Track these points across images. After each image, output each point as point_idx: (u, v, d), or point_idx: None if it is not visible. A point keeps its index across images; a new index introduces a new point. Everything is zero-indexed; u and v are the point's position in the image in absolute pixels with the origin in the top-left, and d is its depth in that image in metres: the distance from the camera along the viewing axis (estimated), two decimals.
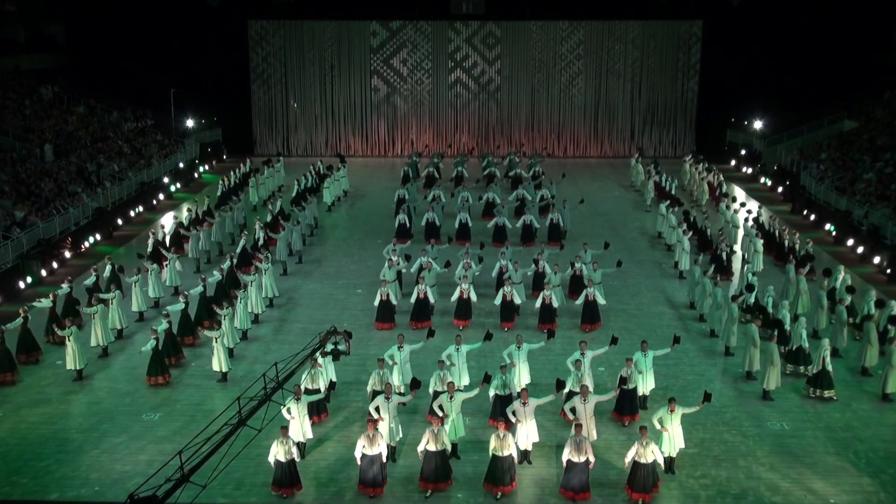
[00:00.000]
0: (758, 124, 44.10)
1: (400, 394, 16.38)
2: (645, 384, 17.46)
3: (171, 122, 43.76)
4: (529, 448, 15.34)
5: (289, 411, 15.07)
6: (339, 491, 14.63)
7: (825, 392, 17.95)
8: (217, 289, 22.68)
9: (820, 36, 43.59)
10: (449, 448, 14.80)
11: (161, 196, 37.05)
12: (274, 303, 23.74)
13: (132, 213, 33.89)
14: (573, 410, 15.28)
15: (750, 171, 42.47)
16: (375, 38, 46.80)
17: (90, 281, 22.62)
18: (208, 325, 20.94)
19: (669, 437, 14.74)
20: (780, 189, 37.98)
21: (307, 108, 47.67)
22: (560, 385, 15.54)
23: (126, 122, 42.66)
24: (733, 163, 44.49)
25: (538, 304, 21.81)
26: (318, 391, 16.49)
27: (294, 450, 14.25)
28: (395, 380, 17.26)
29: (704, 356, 20.43)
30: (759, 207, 33.58)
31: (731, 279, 25.27)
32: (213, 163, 44.95)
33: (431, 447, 14.24)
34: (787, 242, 26.65)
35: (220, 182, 35.45)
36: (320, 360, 16.68)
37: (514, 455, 14.46)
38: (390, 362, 17.17)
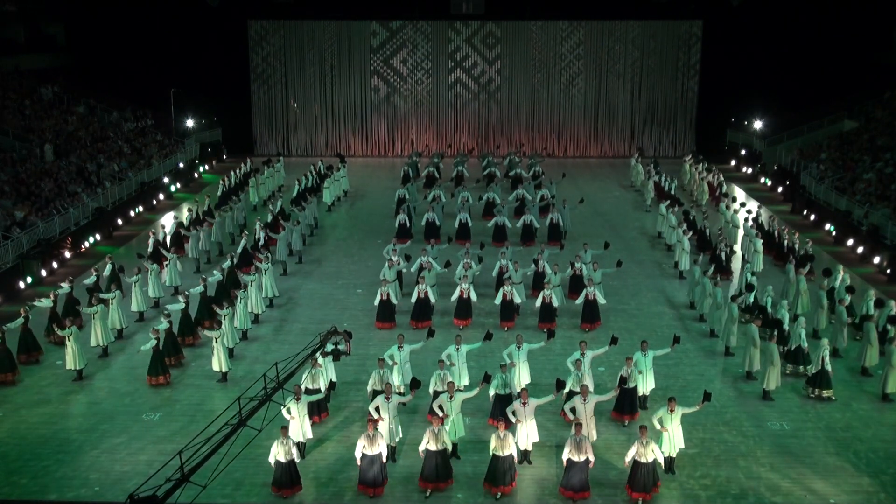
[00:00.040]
0: (758, 124, 44.10)
1: (400, 394, 16.38)
2: (645, 384, 17.46)
3: (171, 122, 43.77)
4: (529, 448, 15.34)
5: (289, 411, 15.07)
6: (339, 491, 14.63)
7: (824, 392, 17.95)
8: (218, 288, 22.68)
9: (820, 36, 43.60)
10: (450, 447, 14.81)
11: (161, 196, 37.05)
12: (274, 303, 23.74)
13: (132, 213, 33.89)
14: (573, 410, 15.28)
15: (750, 171, 42.47)
16: (375, 38, 46.80)
17: (90, 281, 22.62)
18: (208, 325, 20.94)
19: (669, 437, 14.74)
20: (780, 189, 37.98)
21: (307, 108, 47.68)
22: (560, 385, 15.55)
23: (126, 122, 42.67)
24: (733, 163, 44.50)
25: (538, 303, 21.82)
26: (318, 391, 16.50)
27: (294, 450, 14.24)
28: (395, 380, 17.26)
29: (704, 356, 20.43)
30: (759, 207, 33.59)
31: (730, 279, 25.27)
32: (213, 163, 44.96)
33: (432, 447, 14.25)
34: (786, 242, 26.65)
35: (221, 182, 35.44)
36: (320, 360, 16.68)
37: (515, 455, 14.47)
38: (390, 362, 17.16)
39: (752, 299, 21.87)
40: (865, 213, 29.70)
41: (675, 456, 15.00)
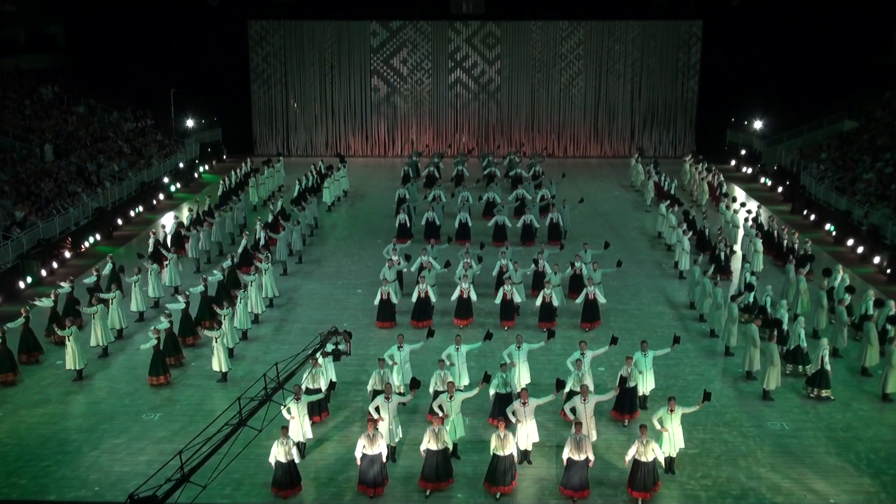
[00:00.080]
0: (758, 124, 44.10)
1: (400, 394, 16.37)
2: (645, 384, 17.45)
3: (171, 122, 43.77)
4: (529, 448, 15.34)
5: (289, 411, 15.06)
6: (339, 491, 14.63)
7: (822, 392, 17.95)
8: (218, 288, 22.68)
9: (820, 36, 43.60)
10: (450, 447, 14.82)
11: (161, 196, 37.05)
12: (274, 303, 23.74)
13: (132, 213, 33.89)
14: (573, 410, 15.28)
15: (750, 171, 42.46)
16: (375, 38, 46.80)
17: (91, 280, 22.63)
18: (208, 325, 20.94)
19: (669, 436, 14.74)
20: (780, 189, 37.98)
21: (307, 108, 47.68)
22: (560, 385, 15.55)
23: (126, 122, 42.67)
24: (733, 163, 44.49)
25: (538, 302, 21.83)
26: (318, 391, 16.49)
27: (294, 450, 14.24)
28: (395, 380, 17.26)
29: (704, 356, 20.43)
30: (759, 207, 33.58)
31: (730, 279, 25.27)
32: (213, 163, 44.96)
33: (433, 446, 14.25)
34: (785, 242, 26.65)
35: (221, 182, 35.44)
36: (321, 360, 16.67)
37: (515, 454, 14.47)
38: (390, 362, 17.16)
39: (751, 299, 21.87)
40: (865, 213, 29.69)
41: (675, 456, 15.00)
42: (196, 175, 42.08)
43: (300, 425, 15.25)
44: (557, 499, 14.36)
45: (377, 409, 15.06)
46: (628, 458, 14.14)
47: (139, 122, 43.58)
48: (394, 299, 21.99)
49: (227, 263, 23.94)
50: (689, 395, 17.74)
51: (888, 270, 26.24)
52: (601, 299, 21.84)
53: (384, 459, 14.34)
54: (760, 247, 25.83)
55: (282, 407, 14.64)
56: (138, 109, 44.59)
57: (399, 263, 23.70)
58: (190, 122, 44.73)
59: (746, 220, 28.12)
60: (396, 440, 15.40)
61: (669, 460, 14.99)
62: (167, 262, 24.35)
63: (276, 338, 21.55)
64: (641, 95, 47.29)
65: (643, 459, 13.92)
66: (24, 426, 16.91)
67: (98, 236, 30.22)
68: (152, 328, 19.10)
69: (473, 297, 22.00)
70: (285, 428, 14.55)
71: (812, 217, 33.32)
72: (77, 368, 18.94)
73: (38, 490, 14.66)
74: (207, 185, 40.13)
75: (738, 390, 18.55)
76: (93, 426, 16.90)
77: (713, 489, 14.67)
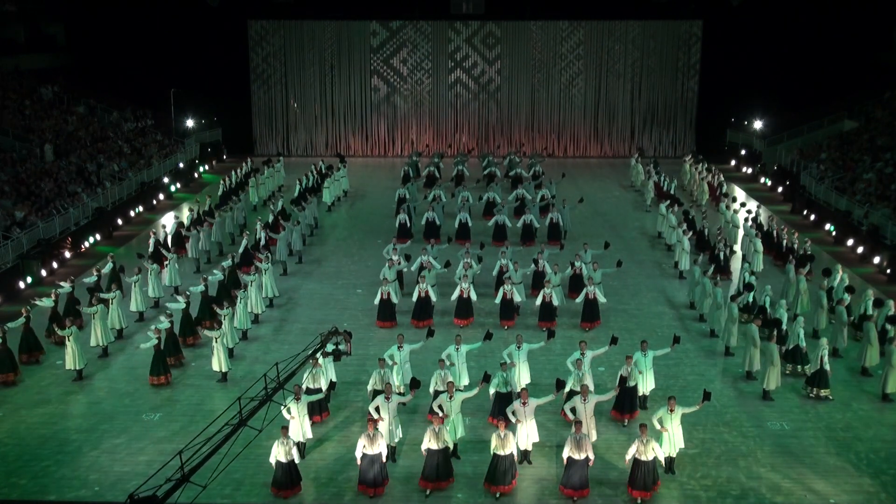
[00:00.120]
0: (758, 124, 44.10)
1: (400, 394, 16.37)
2: (645, 384, 17.45)
3: (171, 122, 43.78)
4: (529, 448, 15.34)
5: (288, 411, 15.06)
6: (339, 491, 14.63)
7: (821, 391, 17.96)
8: (219, 288, 22.68)
9: (820, 36, 43.60)
10: (451, 446, 14.84)
11: (161, 196, 37.05)
12: (274, 303, 23.74)
13: (132, 213, 33.89)
14: (573, 410, 15.28)
15: (750, 171, 42.46)
16: (375, 38, 46.80)
17: (91, 280, 22.63)
18: (208, 325, 20.94)
19: (669, 436, 14.74)
20: (780, 189, 37.98)
21: (307, 108, 47.68)
22: (560, 385, 15.55)
23: (126, 122, 42.67)
24: (733, 163, 44.49)
25: (538, 301, 21.83)
26: (319, 390, 16.49)
27: (294, 450, 14.24)
28: (395, 380, 17.25)
29: (704, 356, 20.43)
30: (758, 207, 33.58)
31: (730, 279, 25.26)
32: (213, 163, 44.96)
33: (433, 446, 14.26)
34: (785, 242, 26.65)
35: (222, 182, 35.45)
36: (321, 360, 16.67)
37: (515, 454, 14.47)
38: (390, 362, 17.15)
39: (750, 299, 21.86)
40: (865, 213, 29.69)
41: (675, 456, 15.00)
42: (196, 175, 42.07)
43: (300, 425, 15.25)
44: (557, 499, 14.36)
45: (377, 409, 15.06)
46: (628, 457, 14.15)
47: (139, 122, 43.58)
48: (394, 299, 21.99)
49: (227, 263, 23.94)
50: (689, 395, 17.74)
51: (888, 270, 26.24)
52: (601, 298, 21.84)
53: (384, 459, 14.34)
54: (760, 247, 25.83)
55: (282, 407, 14.64)
56: (138, 109, 44.59)
57: (399, 263, 23.70)
58: (190, 122, 44.73)
59: (746, 220, 28.11)
60: (396, 440, 15.40)
61: (669, 460, 15.00)
62: (167, 262, 24.35)
63: (276, 338, 21.55)
64: (641, 95, 47.29)
65: (643, 458, 13.94)
66: (24, 426, 16.91)
67: (98, 236, 30.22)
68: (153, 328, 19.10)
69: (473, 296, 22.00)
70: (285, 428, 14.56)
71: (812, 217, 33.32)
72: (77, 368, 18.94)
73: (38, 490, 14.66)
74: (207, 185, 40.13)
75: (738, 390, 18.55)
76: (93, 426, 16.90)
77: (713, 489, 14.67)
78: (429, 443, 14.29)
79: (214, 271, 23.43)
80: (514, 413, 15.00)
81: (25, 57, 43.40)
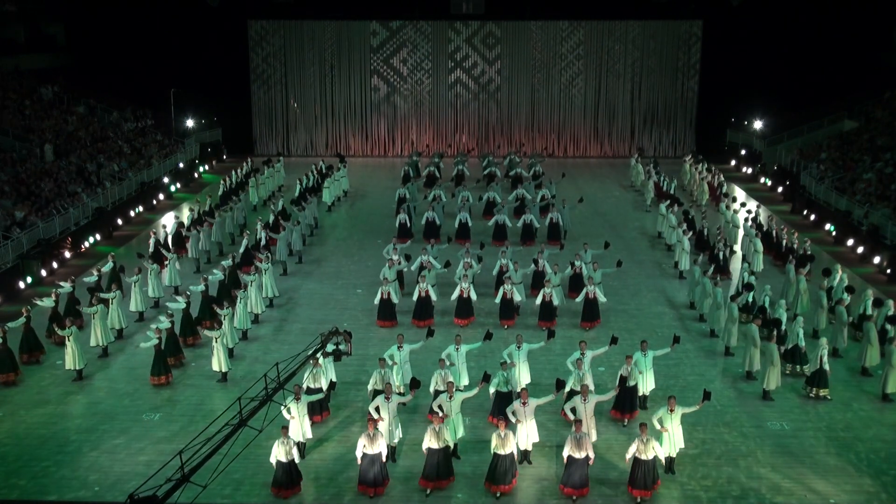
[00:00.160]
0: (758, 124, 44.10)
1: (400, 394, 16.37)
2: (645, 384, 17.45)
3: (171, 122, 43.78)
4: (529, 448, 15.33)
5: (288, 411, 15.05)
6: (339, 491, 14.62)
7: (821, 391, 17.96)
8: (219, 288, 22.67)
9: (820, 36, 43.60)
10: (451, 445, 14.85)
11: (161, 196, 37.05)
12: (274, 303, 23.73)
13: (132, 213, 33.89)
14: (573, 410, 15.28)
15: (750, 171, 42.46)
16: (375, 38, 46.80)
17: (92, 280, 22.64)
18: (209, 325, 20.94)
19: (669, 436, 14.74)
20: (780, 189, 37.98)
21: (307, 108, 47.67)
22: (560, 385, 15.55)
23: (126, 122, 42.67)
24: (733, 163, 44.49)
25: (538, 301, 21.83)
26: (319, 390, 16.49)
27: (294, 450, 14.24)
28: (395, 380, 17.25)
29: (704, 356, 20.42)
30: (757, 207, 33.57)
31: (730, 279, 25.26)
32: (213, 163, 44.96)
33: (434, 445, 14.28)
34: (784, 242, 26.65)
35: (222, 182, 35.46)
36: (321, 359, 16.67)
37: (515, 453, 14.48)
38: (390, 362, 17.15)
39: (750, 299, 21.85)
40: (865, 213, 29.69)
41: (675, 456, 15.00)
42: (196, 175, 42.08)
43: (300, 425, 15.25)
44: (557, 498, 14.36)
45: (377, 409, 15.06)
46: (628, 456, 14.17)
47: (139, 122, 43.58)
48: (394, 299, 21.99)
49: (227, 262, 23.94)
50: (689, 395, 17.73)
51: (888, 270, 26.23)
52: (601, 298, 21.84)
53: (384, 459, 14.34)
54: (760, 247, 25.82)
55: (282, 407, 14.63)
56: (138, 109, 44.59)
57: (399, 263, 23.70)
58: (190, 122, 44.74)
59: (746, 220, 28.12)
60: (396, 440, 15.39)
61: (669, 460, 15.00)
62: (167, 262, 24.35)
63: (276, 338, 21.55)
64: (641, 95, 47.28)
65: (643, 458, 13.95)
66: (23, 426, 16.90)
67: (98, 236, 30.22)
68: (154, 327, 19.09)
69: (473, 296, 22.00)
70: (286, 428, 14.56)
71: (812, 217, 33.32)
72: (77, 368, 18.93)
73: (37, 490, 14.65)
74: (207, 185, 40.13)
75: (738, 390, 18.54)
76: (93, 426, 16.89)
77: (713, 489, 14.66)
78: (429, 442, 14.30)
79: (214, 271, 23.42)
80: (514, 413, 15.00)
81: (25, 57, 43.40)
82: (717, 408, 17.50)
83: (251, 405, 12.16)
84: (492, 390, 16.59)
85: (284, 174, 39.09)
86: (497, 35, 46.72)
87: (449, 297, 22.34)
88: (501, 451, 14.20)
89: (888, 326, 19.32)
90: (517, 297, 22.27)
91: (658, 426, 14.74)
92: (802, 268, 23.15)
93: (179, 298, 21.32)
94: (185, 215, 30.12)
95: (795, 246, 25.83)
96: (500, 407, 15.96)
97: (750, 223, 27.53)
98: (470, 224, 29.55)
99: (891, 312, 19.77)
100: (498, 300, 21.83)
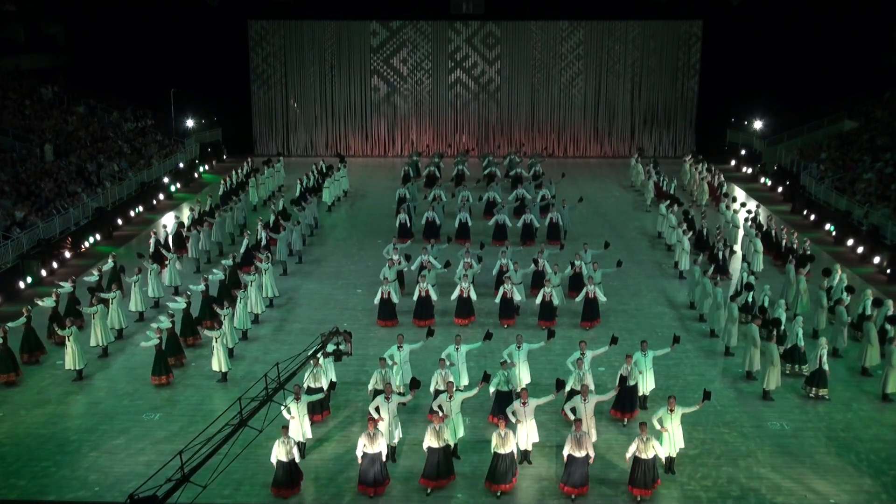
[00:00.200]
0: (758, 124, 44.10)
1: (400, 394, 16.37)
2: (645, 384, 17.45)
3: (171, 122, 43.78)
4: (529, 448, 15.33)
5: (288, 411, 15.05)
6: (339, 491, 14.62)
7: (820, 391, 17.96)
8: (220, 287, 22.67)
9: (820, 36, 43.60)
10: (451, 444, 14.85)
11: (161, 196, 37.05)
12: (274, 303, 23.73)
13: (132, 213, 33.89)
14: (574, 410, 15.28)
15: (750, 171, 42.47)
16: (375, 38, 46.80)
17: (93, 279, 22.63)
18: (209, 325, 20.93)
19: (669, 436, 14.74)
20: (780, 189, 37.98)
21: (307, 108, 47.67)
22: (560, 385, 15.55)
23: (126, 122, 42.67)
24: (733, 163, 44.50)
25: (538, 300, 21.84)
26: (320, 390, 16.49)
27: (295, 450, 14.24)
28: (395, 380, 17.25)
29: (704, 356, 20.42)
30: (757, 207, 33.58)
31: (730, 278, 25.25)
32: (213, 163, 44.97)
33: (434, 444, 14.29)
34: (784, 242, 26.64)
35: (222, 181, 35.46)
36: (321, 359, 16.67)
37: (515, 452, 14.48)
38: (390, 362, 17.15)
39: (750, 299, 21.83)
40: (865, 213, 29.69)
41: (675, 456, 15.00)
42: (196, 175, 42.08)
43: (300, 425, 15.24)
44: (557, 499, 14.36)
45: (377, 409, 15.06)
46: (629, 455, 14.18)
47: (139, 122, 43.58)
48: (394, 299, 22.00)
49: (228, 262, 23.94)
50: (689, 395, 17.73)
51: (888, 270, 26.23)
52: (601, 297, 21.85)
53: (384, 458, 14.35)
54: (760, 247, 25.82)
55: (282, 407, 14.63)
56: (138, 109, 44.59)
57: (399, 263, 23.71)
58: (190, 122, 44.74)
59: (746, 220, 28.12)
60: (396, 440, 15.39)
61: (669, 460, 15.00)
62: (168, 262, 24.35)
63: (276, 338, 21.55)
64: (641, 95, 47.29)
65: (643, 456, 13.96)
66: (23, 426, 16.90)
67: (98, 236, 30.22)
68: (155, 327, 19.10)
69: (473, 296, 22.01)
70: (286, 427, 14.56)
71: (812, 217, 33.32)
72: (77, 368, 18.93)
73: (37, 491, 14.64)
74: (207, 185, 40.13)
75: (738, 390, 18.54)
76: (92, 426, 16.89)
77: (713, 490, 14.66)
78: (430, 441, 14.32)
79: (215, 270, 23.42)
80: (514, 413, 15.01)
81: (25, 57, 43.40)
82: (717, 408, 17.50)
83: (251, 405, 12.16)
84: (492, 390, 16.59)
85: (284, 174, 39.09)
86: (497, 35, 46.72)
87: (449, 297, 22.35)
88: (501, 451, 14.21)
89: (888, 326, 19.32)
90: (517, 297, 22.27)
91: (658, 426, 14.74)
92: (802, 268, 23.14)
93: (179, 298, 21.31)
94: (186, 215, 30.12)
95: (795, 246, 25.83)
96: (501, 406, 15.96)
97: (750, 223, 27.53)
98: (470, 224, 29.55)
99: (890, 312, 19.78)
100: (498, 300, 21.84)
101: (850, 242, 29.27)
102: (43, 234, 27.38)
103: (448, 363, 16.91)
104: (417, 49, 46.94)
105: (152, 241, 26.18)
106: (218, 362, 18.76)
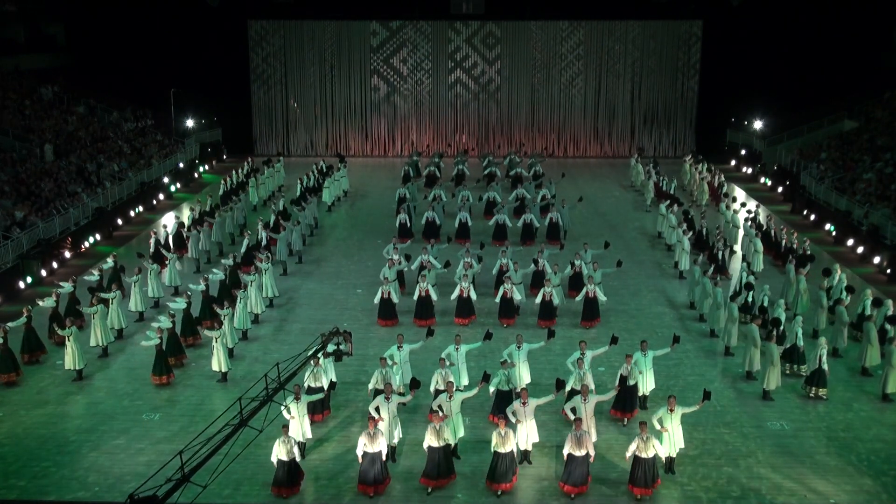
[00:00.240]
0: (758, 124, 44.10)
1: (400, 394, 16.37)
2: (645, 384, 17.45)
3: (171, 122, 43.78)
4: (529, 448, 15.33)
5: (288, 411, 15.05)
6: (339, 491, 14.62)
7: (819, 391, 17.96)
8: (220, 287, 22.67)
9: (820, 36, 43.60)
10: (452, 444, 14.85)
11: (161, 196, 37.04)
12: (274, 303, 23.73)
13: (132, 213, 33.89)
14: (574, 410, 15.28)
15: (750, 171, 42.46)
16: (375, 38, 46.80)
17: (93, 279, 22.62)
18: (209, 325, 20.93)
19: (669, 436, 14.73)
20: (780, 189, 37.98)
21: (307, 108, 47.67)
22: (560, 385, 15.55)
23: (126, 122, 42.67)
24: (733, 163, 44.50)
25: (538, 300, 21.84)
26: (321, 389, 16.49)
27: (295, 449, 14.25)
28: (395, 380, 17.24)
29: (704, 356, 20.42)
30: (757, 207, 33.57)
31: (729, 278, 25.25)
32: (213, 163, 44.97)
33: (434, 443, 14.30)
34: (784, 242, 26.64)
35: (222, 181, 35.46)
36: (321, 359, 16.66)
37: (515, 451, 14.48)
38: (390, 362, 17.15)
39: (749, 299, 21.83)
40: (865, 213, 29.69)
41: (675, 456, 14.99)
42: (196, 175, 42.08)
43: (300, 425, 15.25)
44: (557, 498, 14.35)
45: (377, 409, 15.06)
46: (629, 454, 14.19)
47: (139, 122, 43.58)
48: (394, 298, 22.00)
49: (228, 262, 23.94)
50: (689, 395, 17.72)
51: (888, 270, 26.23)
52: (601, 297, 21.85)
53: (384, 458, 14.35)
54: (760, 247, 25.82)
55: (282, 406, 14.63)
56: (138, 109, 44.59)
57: (399, 263, 23.71)
58: (190, 122, 44.74)
59: (746, 220, 28.12)
60: (396, 440, 15.39)
61: (669, 460, 15.00)
62: (168, 262, 24.34)
63: (276, 338, 21.54)
64: (641, 95, 47.29)
65: (643, 456, 13.97)
66: (23, 427, 16.89)
67: (98, 236, 30.21)
68: (155, 326, 19.09)
69: (473, 296, 22.01)
70: (286, 426, 14.56)
71: (812, 217, 33.32)
72: (77, 368, 18.92)
73: (37, 491, 14.63)
74: (207, 185, 40.13)
75: (738, 390, 18.54)
76: (92, 426, 16.88)
77: (714, 490, 14.66)
78: (430, 440, 14.32)
79: (215, 270, 23.43)
80: (514, 413, 15.00)
81: (25, 57, 43.40)
82: (717, 408, 17.50)
83: (251, 405, 12.15)
84: (492, 389, 16.59)
85: (284, 174, 39.09)
86: (497, 35, 46.72)
87: (449, 297, 22.35)
88: (502, 450, 14.21)
89: (888, 326, 19.32)
90: (517, 297, 22.27)
91: (658, 426, 14.74)
92: (802, 268, 23.13)
93: (179, 298, 21.31)
94: (186, 215, 30.12)
95: (795, 246, 25.83)
96: (501, 406, 15.97)
97: (750, 223, 27.52)
98: (470, 224, 29.55)
99: (890, 312, 19.78)
100: (498, 300, 21.84)
101: (850, 242, 29.27)
102: (43, 234, 27.38)
103: (448, 363, 16.92)
104: (417, 49, 46.94)
105: (152, 241, 26.17)
106: (218, 362, 18.76)
